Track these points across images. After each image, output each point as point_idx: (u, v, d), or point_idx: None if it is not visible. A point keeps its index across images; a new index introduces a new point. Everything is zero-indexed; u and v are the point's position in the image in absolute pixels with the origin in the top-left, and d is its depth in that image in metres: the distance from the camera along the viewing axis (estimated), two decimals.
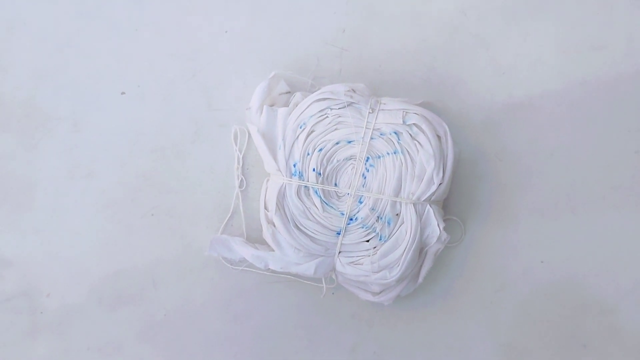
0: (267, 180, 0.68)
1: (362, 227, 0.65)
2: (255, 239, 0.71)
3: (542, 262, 0.71)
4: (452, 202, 0.71)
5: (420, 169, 0.64)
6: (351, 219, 0.65)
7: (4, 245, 0.72)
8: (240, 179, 0.71)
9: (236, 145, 0.71)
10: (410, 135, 0.64)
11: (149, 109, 0.72)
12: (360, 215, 0.65)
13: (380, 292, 0.67)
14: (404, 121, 0.64)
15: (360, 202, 0.65)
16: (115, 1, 0.73)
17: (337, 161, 0.65)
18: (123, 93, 0.72)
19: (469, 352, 0.71)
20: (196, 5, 0.73)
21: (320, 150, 0.65)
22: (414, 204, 0.64)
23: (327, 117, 0.65)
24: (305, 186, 0.66)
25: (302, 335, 0.71)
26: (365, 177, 0.65)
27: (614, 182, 0.71)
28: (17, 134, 0.72)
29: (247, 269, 0.71)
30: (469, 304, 0.71)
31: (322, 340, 0.71)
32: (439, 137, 0.65)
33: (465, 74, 0.72)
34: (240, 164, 0.71)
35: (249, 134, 0.71)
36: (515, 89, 0.71)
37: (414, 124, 0.64)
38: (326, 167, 0.65)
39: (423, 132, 0.64)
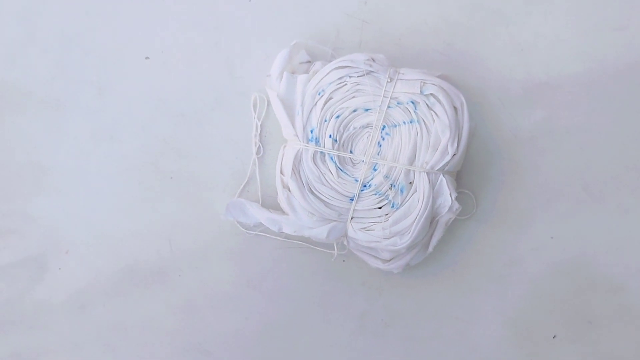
0: (284, 147, 0.69)
1: (375, 194, 0.66)
2: (270, 205, 0.71)
3: (552, 237, 0.71)
4: (466, 176, 0.71)
5: (435, 138, 0.64)
6: (365, 186, 0.66)
7: (26, 204, 0.73)
8: (257, 146, 0.72)
9: (255, 112, 0.72)
10: (427, 105, 0.65)
11: (172, 75, 0.73)
12: (374, 182, 0.65)
13: (391, 260, 0.67)
14: (421, 91, 0.65)
15: (375, 170, 0.66)
16: None
17: (354, 128, 0.66)
18: (147, 58, 0.73)
19: (476, 324, 0.72)
20: None
21: (338, 117, 0.66)
22: (428, 173, 0.65)
23: (345, 84, 0.66)
24: (321, 152, 0.66)
25: (312, 301, 0.72)
26: (380, 145, 0.66)
27: (627, 163, 0.71)
28: (42, 96, 0.73)
29: (261, 233, 0.72)
30: (478, 277, 0.71)
31: (332, 307, 0.72)
32: (455, 108, 0.65)
33: (484, 51, 0.72)
34: (258, 132, 0.72)
35: (268, 102, 0.72)
36: (533, 68, 0.71)
37: (431, 94, 0.65)
38: (342, 134, 0.66)
39: (440, 102, 0.64)
